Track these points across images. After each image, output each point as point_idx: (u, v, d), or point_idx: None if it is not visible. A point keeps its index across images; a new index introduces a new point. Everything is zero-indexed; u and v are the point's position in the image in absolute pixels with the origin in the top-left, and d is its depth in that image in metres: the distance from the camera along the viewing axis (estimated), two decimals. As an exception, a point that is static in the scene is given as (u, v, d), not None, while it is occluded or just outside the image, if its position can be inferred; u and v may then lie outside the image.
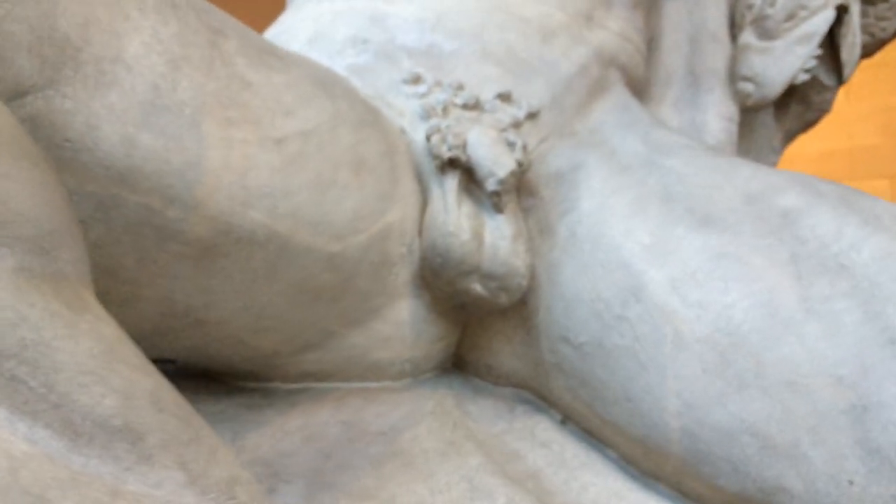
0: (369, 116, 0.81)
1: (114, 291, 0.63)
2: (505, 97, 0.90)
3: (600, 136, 0.92)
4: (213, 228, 0.63)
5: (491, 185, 0.80)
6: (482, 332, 0.88)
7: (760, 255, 0.74)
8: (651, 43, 1.36)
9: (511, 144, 0.83)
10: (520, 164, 0.83)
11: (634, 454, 0.78)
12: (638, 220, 0.80)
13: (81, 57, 0.55)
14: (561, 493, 0.76)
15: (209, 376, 0.82)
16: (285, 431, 0.79)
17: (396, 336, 0.83)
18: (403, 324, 0.83)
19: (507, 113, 0.88)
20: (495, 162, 0.81)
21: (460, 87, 0.89)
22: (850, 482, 0.65)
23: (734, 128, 1.35)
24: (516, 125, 0.88)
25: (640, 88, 1.14)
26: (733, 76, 1.36)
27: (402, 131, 0.86)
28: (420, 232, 0.82)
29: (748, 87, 1.34)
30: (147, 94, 0.59)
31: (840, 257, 0.72)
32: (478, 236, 0.81)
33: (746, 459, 0.70)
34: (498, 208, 0.81)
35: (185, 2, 0.67)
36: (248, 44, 0.72)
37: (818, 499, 0.67)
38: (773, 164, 1.52)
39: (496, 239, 0.81)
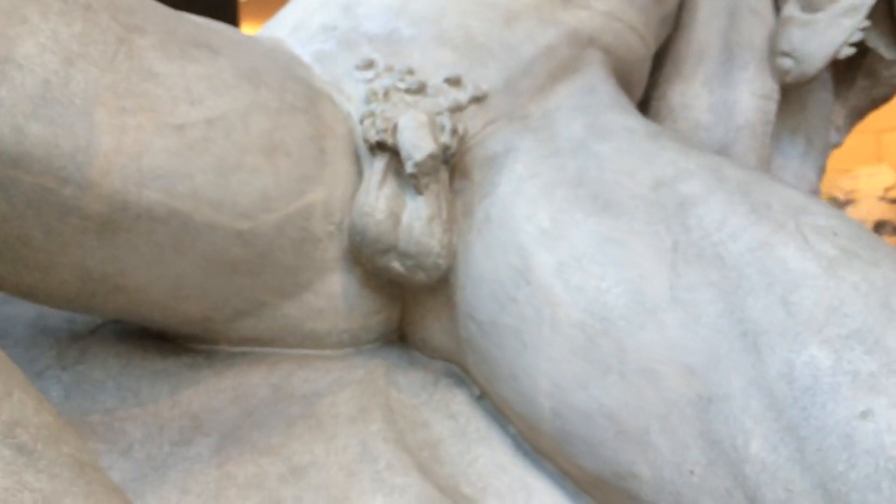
0: (302, 103, 0.87)
1: (31, 258, 0.73)
2: (454, 81, 0.93)
3: (550, 119, 0.93)
4: (108, 205, 0.72)
5: (409, 167, 0.84)
6: (416, 308, 0.92)
7: (644, 241, 0.74)
8: (683, 17, 1.33)
9: (441, 128, 0.87)
10: (446, 148, 0.86)
11: (522, 430, 0.80)
12: (543, 204, 0.81)
13: None
14: (451, 464, 0.80)
15: (162, 337, 0.91)
16: (218, 390, 0.87)
17: (330, 308, 0.90)
18: (336, 297, 0.89)
19: (450, 97, 0.91)
20: (415, 145, 0.84)
21: (410, 72, 0.93)
22: (692, 472, 0.65)
23: (771, 106, 1.30)
24: (457, 109, 0.91)
25: (634, 68, 1.12)
26: (773, 52, 1.30)
27: (349, 116, 0.91)
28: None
29: (787, 62, 1.28)
30: (38, 89, 0.68)
31: (718, 247, 0.71)
32: (394, 216, 0.85)
33: (603, 443, 0.71)
34: (418, 190, 0.85)
35: (102, 5, 0.75)
36: (170, 39, 0.79)
37: (663, 486, 0.67)
38: (836, 144, 1.44)
39: (412, 219, 0.85)
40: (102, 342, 0.90)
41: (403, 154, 0.85)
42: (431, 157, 0.84)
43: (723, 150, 1.27)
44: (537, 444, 0.79)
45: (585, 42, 1.03)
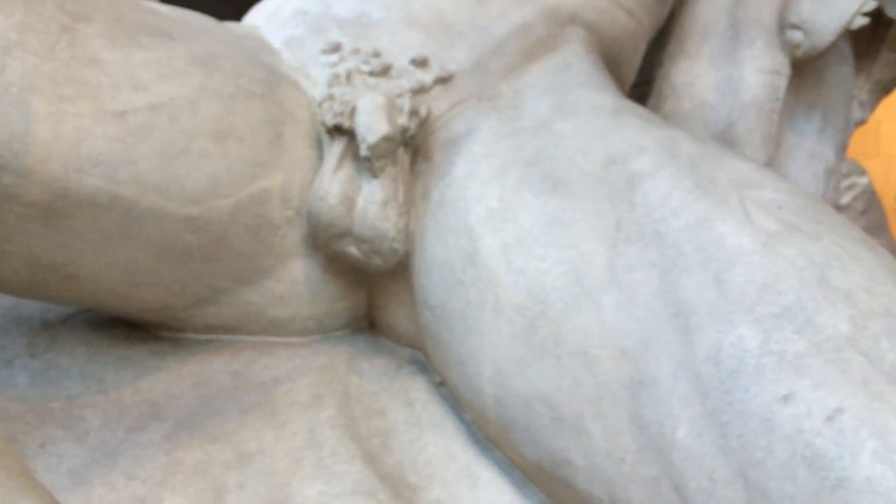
0: (259, 88, 0.86)
1: None
2: (420, 62, 0.91)
3: (519, 98, 0.90)
4: (49, 192, 0.72)
5: (363, 149, 0.83)
6: (380, 293, 0.90)
7: (588, 221, 0.71)
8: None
9: (400, 110, 0.85)
10: (404, 130, 0.84)
11: (473, 418, 0.78)
12: (495, 185, 0.79)
13: None
14: (401, 452, 0.79)
15: (132, 325, 0.92)
16: (179, 377, 0.87)
17: (292, 294, 0.89)
18: (298, 283, 0.88)
19: (413, 78, 0.89)
20: (369, 128, 0.83)
21: (376, 55, 0.91)
22: (623, 459, 0.62)
23: (780, 82, 1.24)
24: (421, 90, 0.89)
25: (623, 45, 1.08)
26: (783, 25, 1.24)
27: (313, 101, 0.90)
28: None
29: (797, 35, 1.22)
30: None
31: (659, 224, 0.67)
32: (348, 200, 0.83)
33: (541, 430, 0.68)
34: (373, 173, 0.84)
35: None
36: (120, 27, 0.79)
37: (596, 474, 0.64)
38: (861, 120, 1.37)
39: (367, 203, 0.83)
40: (72, 331, 0.91)
41: (358, 137, 0.84)
42: (385, 139, 0.82)
43: (727, 129, 1.22)
44: (485, 431, 0.76)
45: (565, 19, 1.00)
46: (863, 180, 1.51)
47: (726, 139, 1.22)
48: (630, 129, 0.79)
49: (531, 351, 0.69)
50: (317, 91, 0.90)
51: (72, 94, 0.73)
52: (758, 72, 1.22)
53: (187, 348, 0.90)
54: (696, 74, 1.25)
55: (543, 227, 0.72)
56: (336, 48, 0.93)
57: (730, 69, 1.24)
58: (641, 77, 1.32)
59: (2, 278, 0.79)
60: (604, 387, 0.64)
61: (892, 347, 0.53)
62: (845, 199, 1.41)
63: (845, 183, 1.42)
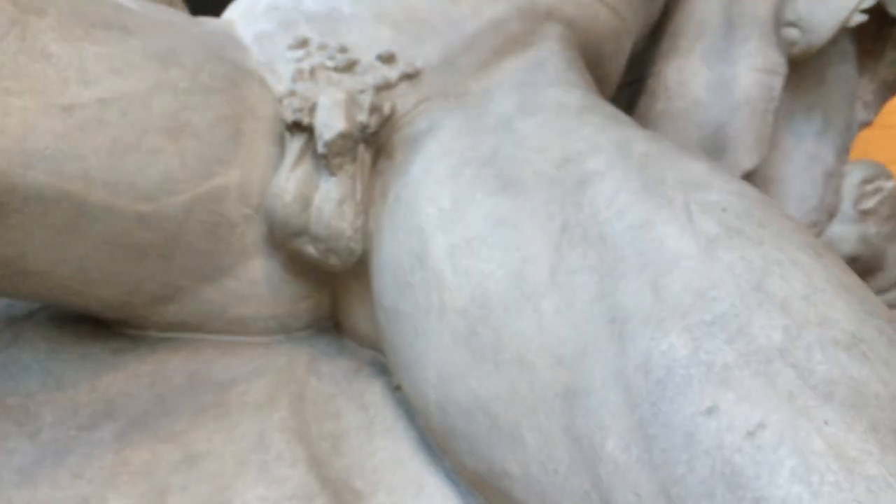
0: (220, 84, 0.85)
1: None
2: (386, 58, 0.89)
3: (487, 96, 0.88)
4: None
5: (319, 147, 0.81)
6: (343, 294, 0.89)
7: (536, 222, 0.68)
8: (682, -12, 1.25)
9: (360, 107, 0.83)
10: (364, 127, 0.83)
11: (422, 424, 0.76)
12: (449, 184, 0.77)
13: None
14: (350, 456, 0.77)
15: (96, 321, 0.91)
16: (137, 375, 0.86)
17: (252, 294, 0.87)
18: (258, 282, 0.87)
19: (378, 74, 0.87)
20: (325, 124, 0.81)
21: (342, 50, 0.90)
22: (556, 471, 0.60)
23: (775, 81, 1.20)
24: (386, 86, 0.87)
25: (606, 42, 1.05)
26: (779, 22, 1.20)
27: (277, 97, 0.89)
28: None
29: (792, 33, 1.18)
30: None
31: (603, 226, 0.64)
32: (304, 198, 0.82)
33: (480, 439, 0.66)
34: (330, 171, 0.82)
35: None
36: (74, 21, 0.79)
37: (531, 486, 0.62)
38: (865, 122, 1.32)
39: (323, 201, 0.82)
40: (36, 326, 0.91)
41: (316, 134, 0.82)
42: (342, 136, 0.81)
43: (719, 130, 1.19)
44: (433, 438, 0.74)
45: (542, 15, 0.97)
46: (889, 184, 1.46)
47: (718, 140, 1.19)
48: (591, 127, 0.76)
49: (472, 357, 0.67)
50: (282, 87, 0.89)
51: (18, 88, 0.73)
52: (752, 70, 1.18)
53: (148, 346, 0.89)
54: (688, 73, 1.22)
55: (491, 229, 0.70)
56: (303, 43, 0.91)
57: (724, 67, 1.21)
58: (634, 75, 1.30)
59: None
60: (539, 395, 0.61)
61: (825, 360, 0.50)
62: (869, 203, 1.36)
63: (870, 187, 1.37)
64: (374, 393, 0.83)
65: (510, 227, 0.69)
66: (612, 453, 0.55)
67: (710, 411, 0.50)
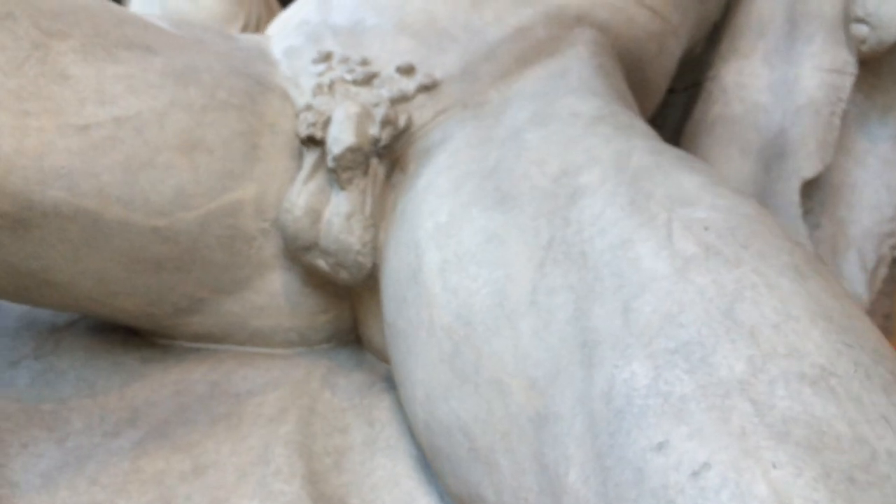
0: (238, 100, 0.86)
1: None
2: (406, 70, 0.88)
3: (505, 106, 0.86)
4: (15, 204, 0.75)
5: (329, 161, 0.81)
6: (360, 307, 0.89)
7: (523, 238, 0.66)
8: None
9: (373, 120, 0.83)
10: (376, 140, 0.82)
11: (418, 441, 0.74)
12: (448, 198, 0.75)
13: None
14: (351, 472, 0.76)
15: (130, 330, 0.94)
16: (162, 384, 0.89)
17: (272, 306, 0.88)
18: (277, 295, 0.88)
19: (395, 87, 0.87)
20: (335, 139, 0.81)
21: (363, 63, 0.90)
22: (526, 500, 0.57)
23: (844, 81, 1.12)
24: (403, 99, 0.86)
25: (645, 46, 1.01)
26: (847, 19, 1.13)
27: (297, 111, 0.89)
28: None
29: (862, 29, 1.11)
30: None
31: (585, 244, 0.61)
32: (314, 213, 0.82)
33: (460, 460, 0.64)
34: (340, 185, 0.82)
35: (26, 13, 0.79)
36: (97, 42, 0.82)
37: (504, 513, 0.60)
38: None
39: (332, 216, 0.82)
40: (76, 335, 0.95)
41: (326, 148, 0.82)
42: (351, 150, 0.80)
43: (780, 134, 1.12)
44: (426, 456, 0.73)
45: (572, 21, 0.94)
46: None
47: (778, 145, 1.12)
48: (596, 139, 0.73)
49: (455, 376, 0.65)
50: (302, 101, 0.89)
51: (36, 109, 0.76)
52: (816, 70, 1.11)
53: (176, 356, 0.91)
54: (748, 75, 1.16)
55: (481, 245, 0.68)
56: (326, 57, 0.92)
57: (786, 68, 1.14)
58: (691, 79, 1.24)
59: None
60: (513, 419, 0.59)
61: (787, 395, 0.46)
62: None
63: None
64: (383, 408, 0.82)
65: (498, 243, 0.67)
66: (573, 485, 0.52)
67: (661, 447, 0.47)
